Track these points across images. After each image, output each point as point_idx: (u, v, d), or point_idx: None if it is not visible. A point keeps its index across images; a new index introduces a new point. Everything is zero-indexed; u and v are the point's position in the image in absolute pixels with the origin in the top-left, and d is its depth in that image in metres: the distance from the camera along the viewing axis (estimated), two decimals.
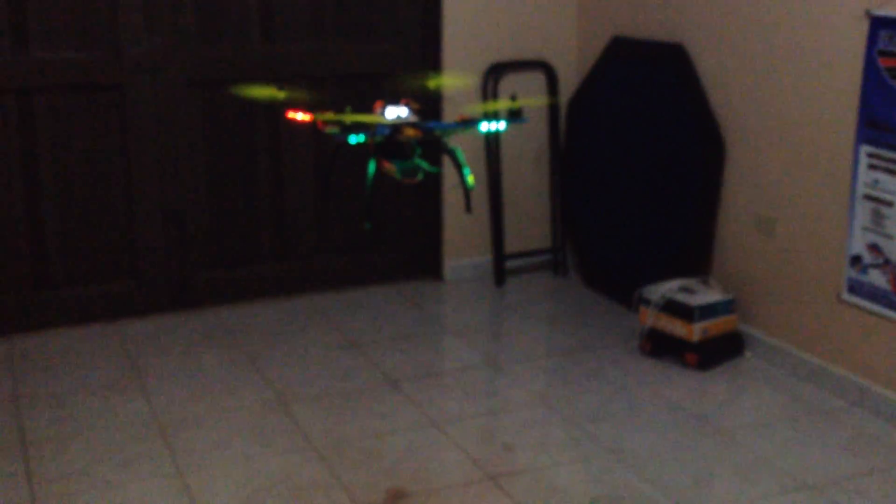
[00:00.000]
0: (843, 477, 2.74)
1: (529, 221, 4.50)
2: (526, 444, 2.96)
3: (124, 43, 3.69)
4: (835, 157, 3.16)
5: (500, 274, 4.39)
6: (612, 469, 2.80)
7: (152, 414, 3.10)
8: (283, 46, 3.95)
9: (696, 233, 3.73)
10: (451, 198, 4.30)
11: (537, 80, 4.35)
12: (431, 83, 2.15)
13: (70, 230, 3.77)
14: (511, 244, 4.44)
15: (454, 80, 2.16)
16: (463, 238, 4.40)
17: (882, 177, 2.97)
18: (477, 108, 2.11)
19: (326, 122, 2.19)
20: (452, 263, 4.42)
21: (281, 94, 2.20)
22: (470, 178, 2.20)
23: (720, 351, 3.50)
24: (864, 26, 2.99)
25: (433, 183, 4.30)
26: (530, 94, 4.34)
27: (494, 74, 4.22)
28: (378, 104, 2.15)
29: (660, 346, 3.55)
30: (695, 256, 3.74)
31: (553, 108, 4.40)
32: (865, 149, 3.02)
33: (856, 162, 3.06)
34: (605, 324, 3.89)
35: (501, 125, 2.17)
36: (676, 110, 3.79)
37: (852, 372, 3.18)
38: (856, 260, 3.10)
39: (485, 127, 2.17)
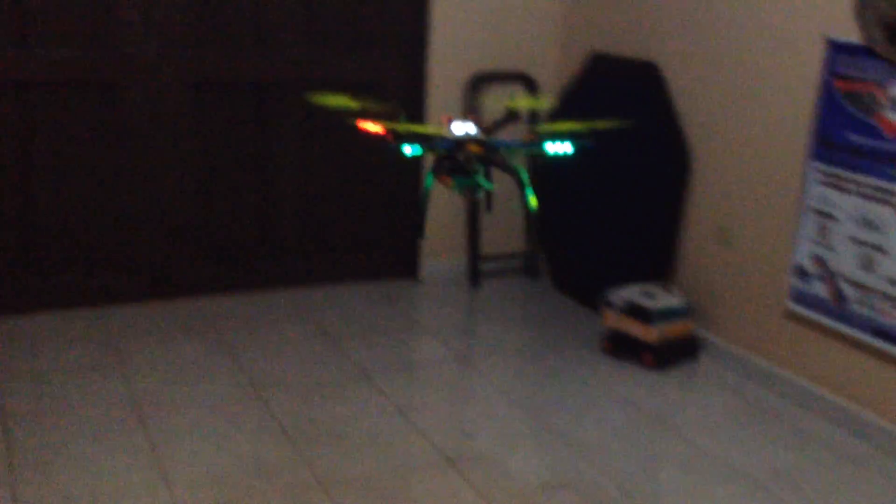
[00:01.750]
0: (780, 470, 2.91)
1: (505, 226, 4.67)
2: (486, 433, 3.12)
3: (121, 43, 3.86)
4: (788, 173, 3.34)
5: (475, 275, 4.56)
6: (565, 458, 2.96)
7: (130, 395, 3.26)
8: (275, 52, 4.12)
9: (661, 241, 3.91)
10: (431, 200, 4.47)
11: (519, 92, 4.53)
12: (508, 104, 2.16)
13: (61, 220, 3.93)
14: (487, 247, 4.60)
15: (531, 102, 2.19)
16: (440, 240, 4.57)
17: (830, 192, 3.15)
18: (545, 127, 2.08)
19: (397, 135, 2.14)
20: (429, 264, 4.58)
21: (355, 105, 2.23)
22: (533, 200, 2.18)
23: (676, 352, 3.68)
24: (822, 50, 3.18)
25: (412, 185, 4.47)
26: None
27: (477, 84, 4.40)
28: (446, 118, 2.15)
29: (620, 347, 3.72)
30: (658, 263, 3.92)
31: (532, 118, 4.57)
32: (816, 165, 3.20)
33: (806, 177, 3.24)
34: (571, 325, 4.06)
35: (568, 147, 2.11)
36: (648, 125, 3.96)
37: (797, 375, 3.35)
38: (801, 271, 3.28)
39: (551, 148, 2.12)
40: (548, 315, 4.21)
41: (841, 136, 3.09)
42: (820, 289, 3.21)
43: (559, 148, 2.11)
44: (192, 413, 3.15)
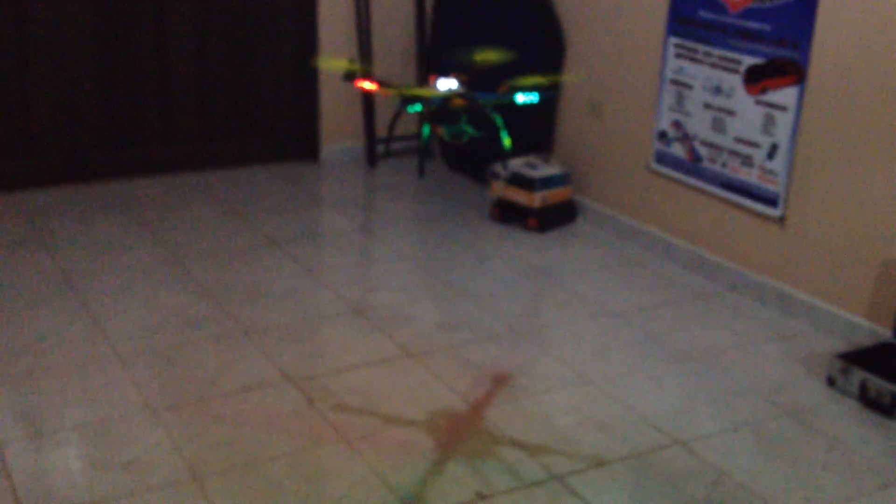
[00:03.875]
0: (642, 307, 3.39)
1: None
2: (388, 287, 3.50)
3: None
4: (649, 48, 3.74)
5: (372, 156, 4.88)
6: (458, 304, 3.37)
7: (58, 266, 3.50)
8: None
9: (541, 117, 4.30)
10: (328, 86, 4.74)
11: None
12: (478, 58, 2.57)
13: None
14: (382, 130, 4.91)
15: (494, 56, 2.60)
16: (338, 123, 4.85)
17: (685, 64, 3.58)
18: (516, 81, 2.53)
19: (388, 91, 2.57)
20: (328, 147, 4.88)
21: (354, 66, 2.57)
22: (507, 141, 2.60)
23: (557, 216, 4.11)
24: None
25: (311, 71, 4.72)
26: None
27: None
28: (432, 77, 2.54)
29: (507, 213, 4.13)
30: (539, 136, 4.32)
31: (420, 6, 4.84)
32: (673, 40, 3.61)
33: (665, 51, 3.65)
34: (462, 198, 4.45)
35: (534, 98, 2.58)
36: (526, 10, 4.30)
37: (659, 230, 3.84)
38: (662, 135, 3.73)
39: (520, 98, 2.57)
40: (440, 190, 4.58)
41: (692, 13, 3.51)
42: (678, 150, 3.67)
43: (527, 98, 2.59)
44: (119, 279, 3.43)
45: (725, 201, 3.53)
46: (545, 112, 4.30)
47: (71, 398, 2.66)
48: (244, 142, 4.73)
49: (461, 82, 2.53)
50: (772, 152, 3.31)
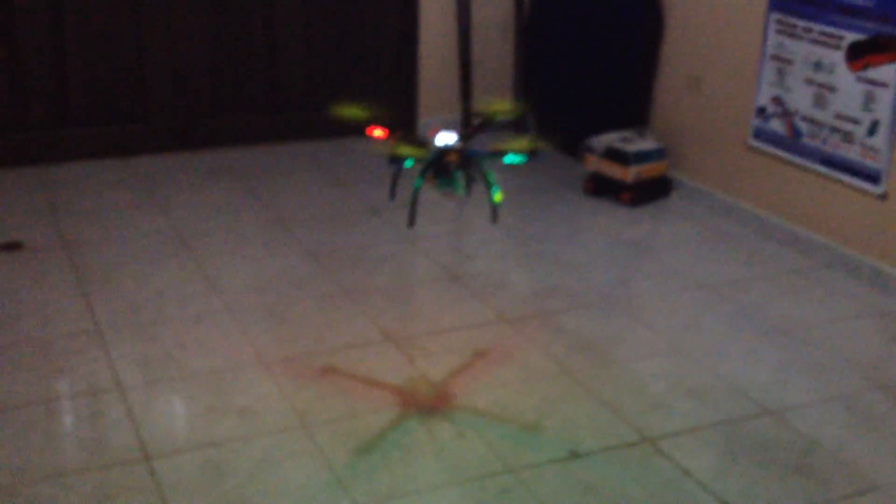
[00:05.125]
0: (734, 280, 3.42)
1: (496, 84, 5.05)
2: (484, 256, 3.60)
3: None
4: (750, 24, 3.74)
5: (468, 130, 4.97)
6: (552, 273, 3.45)
7: (172, 227, 3.70)
8: None
9: (637, 91, 4.32)
10: (427, 62, 4.84)
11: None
12: (490, 109, 2.72)
13: (90, 77, 4.29)
14: (478, 104, 4.99)
15: (503, 107, 2.78)
16: (435, 97, 4.96)
17: (786, 40, 3.57)
18: (506, 142, 2.71)
19: (394, 140, 2.76)
20: (425, 120, 4.98)
21: (363, 114, 2.74)
22: (496, 196, 2.75)
23: (650, 191, 4.14)
24: None
25: (410, 47, 4.83)
26: None
27: None
28: (432, 132, 2.69)
29: (600, 187, 4.18)
30: (635, 111, 4.34)
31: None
32: (774, 16, 3.60)
33: (766, 27, 3.64)
34: (557, 172, 4.51)
35: (522, 159, 2.79)
36: None
37: (755, 206, 3.84)
38: (761, 111, 3.72)
39: (509, 159, 2.79)
40: (535, 164, 4.64)
41: None
42: (777, 125, 3.66)
43: (515, 159, 2.81)
44: (230, 241, 3.61)
45: (825, 177, 3.51)
46: (641, 85, 4.32)
47: (188, 348, 2.84)
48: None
49: (461, 136, 2.69)
50: (872, 129, 3.29)
